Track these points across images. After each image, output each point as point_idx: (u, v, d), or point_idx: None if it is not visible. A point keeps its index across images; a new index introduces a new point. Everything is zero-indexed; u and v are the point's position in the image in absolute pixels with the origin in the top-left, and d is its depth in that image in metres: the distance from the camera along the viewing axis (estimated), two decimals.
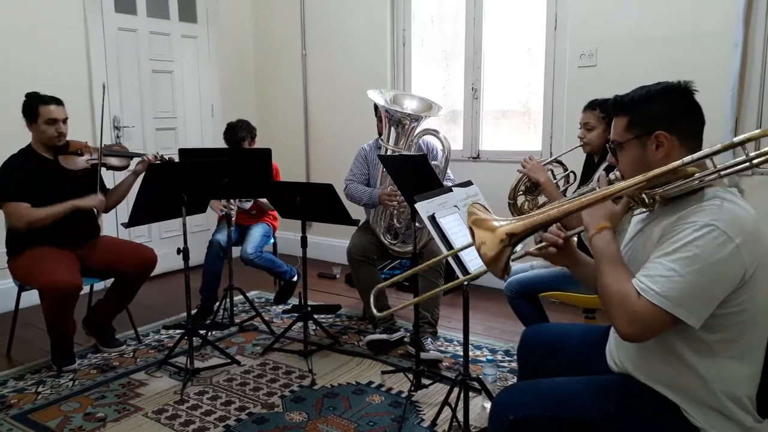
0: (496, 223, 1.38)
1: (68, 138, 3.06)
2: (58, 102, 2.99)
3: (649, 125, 1.42)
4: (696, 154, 1.31)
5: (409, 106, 3.36)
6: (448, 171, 3.29)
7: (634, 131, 1.44)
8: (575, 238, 1.68)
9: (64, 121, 3.01)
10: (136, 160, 3.27)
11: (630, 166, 1.46)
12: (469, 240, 2.00)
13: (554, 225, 1.54)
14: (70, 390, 2.77)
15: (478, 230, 1.39)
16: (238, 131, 3.77)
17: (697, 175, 1.33)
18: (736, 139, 1.26)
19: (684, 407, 1.40)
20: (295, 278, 3.91)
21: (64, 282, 2.75)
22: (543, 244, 1.56)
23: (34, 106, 2.94)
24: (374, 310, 1.55)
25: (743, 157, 1.27)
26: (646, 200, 1.41)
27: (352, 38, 4.81)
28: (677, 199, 1.40)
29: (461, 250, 1.91)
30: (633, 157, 1.46)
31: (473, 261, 2.01)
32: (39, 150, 3.02)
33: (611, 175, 1.55)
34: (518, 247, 1.40)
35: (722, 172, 1.31)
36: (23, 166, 2.95)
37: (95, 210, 3.14)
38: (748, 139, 1.25)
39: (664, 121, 1.40)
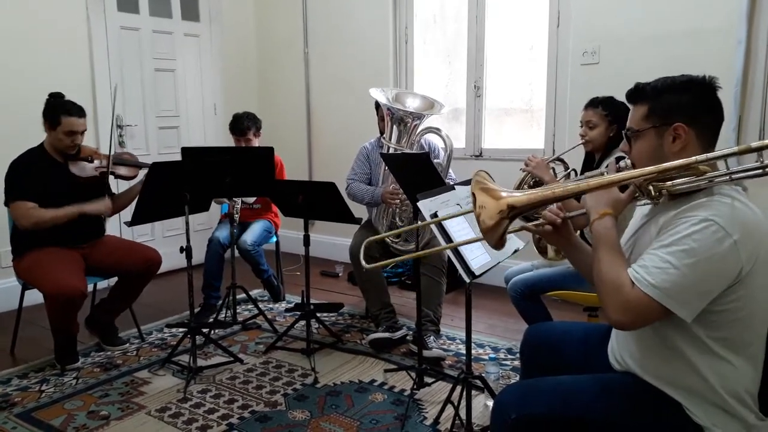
0: (503, 193, 1.36)
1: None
2: (81, 114, 2.97)
3: (668, 116, 1.41)
4: (711, 153, 1.31)
5: (412, 104, 3.36)
6: (450, 170, 3.29)
7: (653, 120, 1.44)
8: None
9: (83, 132, 3.01)
10: (145, 170, 3.26)
11: (644, 155, 1.45)
12: (472, 236, 2.01)
13: (555, 204, 1.53)
14: (74, 388, 2.78)
15: (482, 195, 1.36)
16: (244, 120, 3.81)
17: (708, 174, 1.33)
18: (753, 145, 1.25)
19: (686, 405, 1.40)
20: (270, 275, 3.97)
21: (70, 288, 2.75)
22: (541, 221, 1.56)
23: (56, 114, 2.91)
24: (363, 262, 1.53)
25: (757, 164, 1.27)
26: (653, 192, 1.40)
27: (355, 36, 4.81)
28: (683, 195, 1.39)
29: (462, 244, 1.91)
30: (648, 146, 1.45)
31: (475, 259, 2.01)
32: (50, 152, 3.01)
33: (621, 163, 1.53)
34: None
35: (734, 176, 1.30)
36: (33, 167, 2.95)
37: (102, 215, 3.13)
38: (767, 146, 1.24)
39: (685, 113, 1.40)
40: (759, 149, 1.25)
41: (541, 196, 1.36)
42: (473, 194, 1.39)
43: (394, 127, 3.25)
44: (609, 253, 1.38)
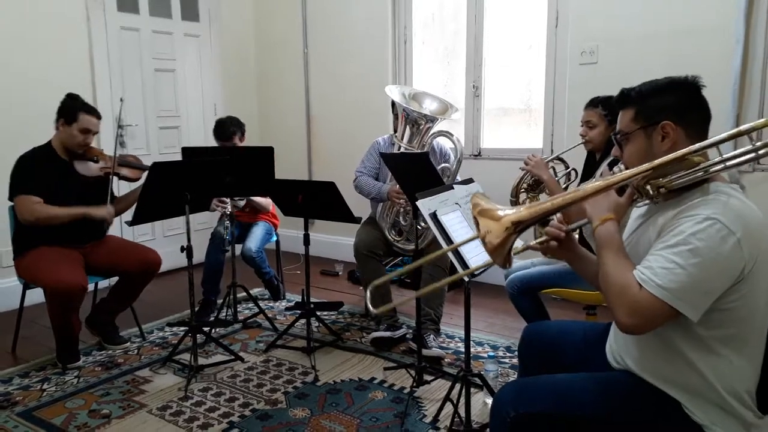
0: (500, 212, 1.38)
1: None
2: (98, 115, 3.03)
3: (655, 116, 1.43)
4: (703, 142, 1.33)
5: (429, 106, 3.35)
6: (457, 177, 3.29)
7: (641, 122, 1.46)
8: (576, 234, 1.68)
9: (95, 133, 3.04)
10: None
11: (635, 157, 1.47)
12: (471, 235, 2.03)
13: (556, 219, 1.55)
14: (75, 387, 2.79)
15: (484, 219, 1.39)
16: (229, 126, 3.78)
17: (702, 164, 1.34)
18: (742, 128, 1.27)
19: (685, 404, 1.40)
20: (271, 276, 3.98)
21: (69, 282, 2.77)
22: (544, 238, 1.56)
23: (75, 110, 2.95)
24: (370, 307, 1.54)
25: (749, 147, 1.28)
26: (651, 192, 1.41)
27: (354, 36, 4.82)
28: (680, 193, 1.40)
29: (462, 244, 1.93)
30: (638, 148, 1.47)
31: (474, 258, 2.02)
32: (58, 150, 3.03)
33: (615, 168, 1.55)
34: (518, 243, 1.40)
35: (728, 162, 1.32)
36: (40, 163, 2.97)
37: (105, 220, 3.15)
38: (754, 128, 1.26)
39: (671, 112, 1.42)
40: (749, 131, 1.27)
41: (542, 209, 1.37)
42: (474, 218, 1.41)
43: (407, 127, 3.26)
44: (614, 256, 1.38)
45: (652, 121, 1.43)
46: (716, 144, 1.32)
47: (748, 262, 1.30)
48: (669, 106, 1.43)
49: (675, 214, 1.36)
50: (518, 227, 1.36)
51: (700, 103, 1.45)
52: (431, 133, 3.27)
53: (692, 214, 1.32)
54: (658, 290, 1.29)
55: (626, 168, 1.49)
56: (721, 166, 1.33)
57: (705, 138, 1.43)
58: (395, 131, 3.42)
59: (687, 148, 1.33)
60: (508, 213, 1.38)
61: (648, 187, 1.41)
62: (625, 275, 1.35)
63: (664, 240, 1.34)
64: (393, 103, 3.44)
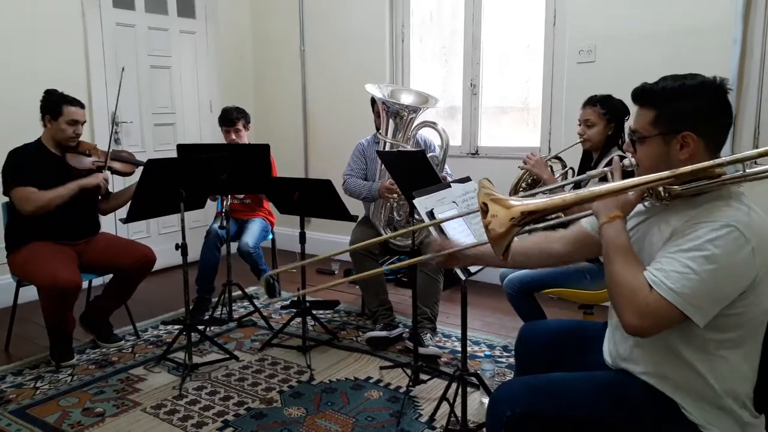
0: (514, 201, 1.31)
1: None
2: (81, 105, 3.03)
3: (676, 124, 1.36)
4: (731, 156, 1.27)
5: (406, 100, 3.36)
6: (446, 167, 3.29)
7: (660, 127, 1.38)
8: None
9: (83, 123, 3.04)
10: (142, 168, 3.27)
11: (649, 160, 1.41)
12: (465, 231, 2.02)
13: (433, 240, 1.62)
14: (69, 385, 2.77)
15: (493, 204, 1.31)
16: (233, 111, 3.84)
17: (723, 177, 1.31)
18: None
19: (681, 404, 1.40)
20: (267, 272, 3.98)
21: (64, 281, 2.75)
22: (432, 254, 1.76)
23: (58, 104, 2.95)
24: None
25: None
26: (662, 193, 1.38)
27: (351, 34, 4.81)
28: (692, 195, 1.37)
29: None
30: (654, 152, 1.41)
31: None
32: (48, 145, 3.03)
33: (625, 161, 1.49)
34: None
35: (749, 177, 1.29)
36: (31, 157, 2.96)
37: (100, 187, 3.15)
38: None
39: (694, 122, 1.35)
40: None
41: (552, 204, 1.33)
42: (484, 204, 1.33)
43: (390, 121, 3.26)
44: (622, 257, 1.35)
45: (673, 129, 1.37)
46: (743, 160, 1.27)
47: (760, 271, 1.29)
48: (693, 114, 1.35)
49: (690, 218, 1.33)
50: (525, 218, 1.29)
51: (724, 111, 1.37)
52: (415, 124, 3.27)
53: (710, 219, 1.29)
54: (670, 293, 1.27)
55: (638, 163, 1.46)
56: (741, 179, 1.30)
57: (723, 144, 1.39)
58: (378, 129, 3.42)
59: (712, 161, 1.27)
60: (520, 203, 1.31)
61: (660, 188, 1.38)
62: (635, 277, 1.32)
63: (678, 243, 1.31)
64: (373, 102, 3.44)
